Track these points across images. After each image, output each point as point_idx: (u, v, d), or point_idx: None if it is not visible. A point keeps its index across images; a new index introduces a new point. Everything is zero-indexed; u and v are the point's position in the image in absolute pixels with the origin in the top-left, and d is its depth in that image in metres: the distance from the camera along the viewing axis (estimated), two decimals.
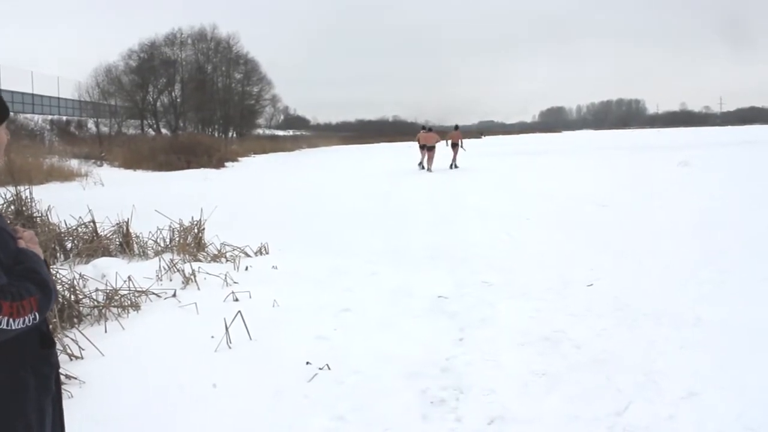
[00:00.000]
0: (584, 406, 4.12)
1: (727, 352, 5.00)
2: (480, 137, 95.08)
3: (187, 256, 8.00)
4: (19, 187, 9.35)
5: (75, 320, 5.75)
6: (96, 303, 6.03)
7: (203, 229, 8.80)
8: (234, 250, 8.55)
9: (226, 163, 37.65)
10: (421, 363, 4.96)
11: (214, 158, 35.97)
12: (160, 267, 7.29)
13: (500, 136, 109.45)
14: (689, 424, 3.85)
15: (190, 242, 8.54)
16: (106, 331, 5.64)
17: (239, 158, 44.05)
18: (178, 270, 7.27)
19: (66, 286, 5.96)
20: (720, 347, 5.13)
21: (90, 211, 8.58)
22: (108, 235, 8.52)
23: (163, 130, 58.21)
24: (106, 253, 8.16)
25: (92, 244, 8.21)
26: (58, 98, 54.21)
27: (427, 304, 6.61)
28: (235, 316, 5.51)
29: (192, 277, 7.11)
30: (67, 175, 24.65)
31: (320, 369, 4.83)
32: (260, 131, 77.84)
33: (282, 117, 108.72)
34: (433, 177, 24.73)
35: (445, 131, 33.82)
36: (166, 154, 33.43)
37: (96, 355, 5.05)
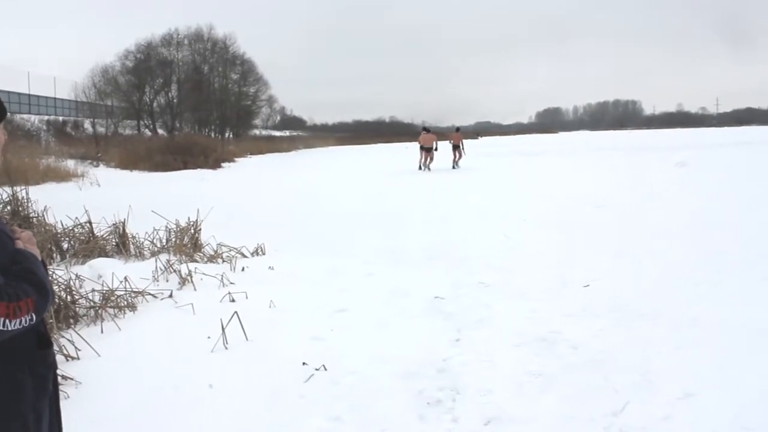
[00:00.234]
0: (580, 407, 4.13)
1: (723, 353, 5.00)
2: (477, 138, 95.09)
3: (183, 256, 8.01)
4: (15, 188, 9.34)
5: (71, 321, 5.74)
6: (92, 303, 6.02)
7: (200, 229, 8.80)
8: (230, 250, 8.55)
9: (223, 164, 37.62)
10: (417, 363, 4.96)
11: (210, 159, 35.95)
12: (156, 267, 7.29)
13: (497, 137, 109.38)
14: (686, 425, 3.86)
15: (186, 243, 8.55)
16: (102, 332, 5.63)
17: (236, 159, 44.02)
18: (175, 270, 7.27)
19: (62, 286, 5.95)
20: (717, 348, 5.13)
21: (86, 211, 8.58)
22: (104, 236, 8.52)
23: (160, 131, 58.13)
24: (103, 253, 8.15)
25: (89, 245, 8.21)
26: (55, 99, 54.16)
27: (423, 305, 6.61)
28: (232, 316, 5.51)
29: (188, 277, 7.11)
30: (63, 176, 24.61)
31: (317, 369, 4.83)
32: (257, 132, 77.71)
33: (278, 117, 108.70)
34: (430, 177, 24.74)
35: (442, 132, 33.87)
36: (162, 155, 33.39)
37: (92, 356, 5.04)
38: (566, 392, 4.37)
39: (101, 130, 46.19)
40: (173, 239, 8.61)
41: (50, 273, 5.82)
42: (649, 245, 9.33)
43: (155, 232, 8.70)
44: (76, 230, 8.47)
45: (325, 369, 4.84)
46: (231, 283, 7.18)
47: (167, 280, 7.15)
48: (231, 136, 67.91)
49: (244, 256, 8.63)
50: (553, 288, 7.18)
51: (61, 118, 50.26)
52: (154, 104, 60.92)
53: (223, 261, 8.27)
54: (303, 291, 7.13)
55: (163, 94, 61.71)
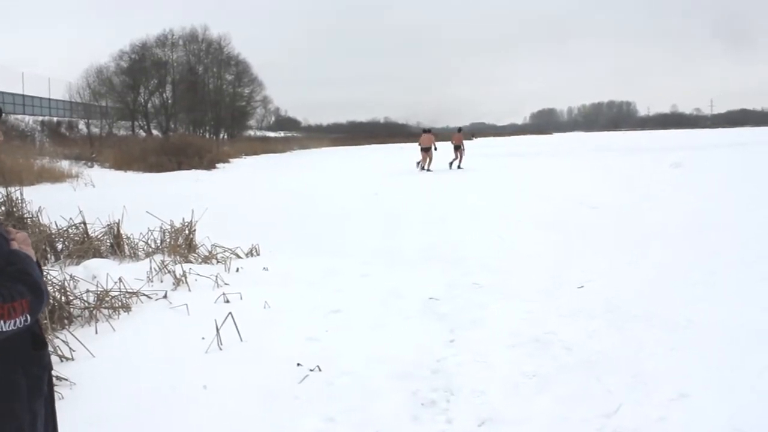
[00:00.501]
0: (574, 408, 4.14)
1: (718, 354, 5.01)
2: (471, 138, 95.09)
3: (178, 257, 8.00)
4: (9, 188, 9.33)
5: (65, 321, 5.74)
6: (87, 304, 6.02)
7: (194, 230, 8.80)
8: (225, 251, 8.55)
9: (217, 165, 37.60)
10: (411, 364, 4.97)
11: (205, 159, 35.92)
12: (150, 268, 7.28)
13: (491, 138, 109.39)
14: (679, 426, 3.86)
15: (181, 243, 8.54)
16: (96, 333, 5.63)
17: (230, 159, 44.04)
18: (169, 271, 7.27)
19: (57, 287, 5.95)
20: (712, 349, 5.14)
21: (81, 212, 8.56)
22: (99, 237, 8.51)
23: (154, 132, 58.10)
24: (97, 254, 8.14)
25: (83, 246, 8.19)
26: (49, 99, 54.13)
27: (418, 306, 6.62)
28: (226, 317, 5.51)
29: (183, 278, 7.11)
30: (58, 177, 24.58)
31: (311, 370, 4.83)
32: (251, 133, 77.66)
33: (273, 118, 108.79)
34: (425, 178, 24.75)
35: (437, 133, 33.98)
36: (157, 156, 33.39)
37: (87, 357, 5.04)
38: (560, 393, 4.38)
39: (96, 130, 46.05)
40: (168, 240, 8.60)
41: (45, 274, 5.80)
42: (645, 246, 9.35)
43: (150, 233, 8.69)
44: (70, 231, 8.46)
45: (320, 370, 4.85)
46: (225, 283, 7.18)
47: (162, 281, 7.14)
48: (226, 136, 67.84)
49: (239, 257, 8.63)
50: (547, 289, 7.18)
51: (55, 119, 50.16)
52: (149, 105, 60.89)
53: (218, 262, 8.27)
54: (297, 292, 7.14)
55: (158, 95, 61.69)
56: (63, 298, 5.91)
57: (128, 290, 6.47)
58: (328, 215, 13.86)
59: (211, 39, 67.39)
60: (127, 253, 8.43)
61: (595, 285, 7.26)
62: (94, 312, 5.92)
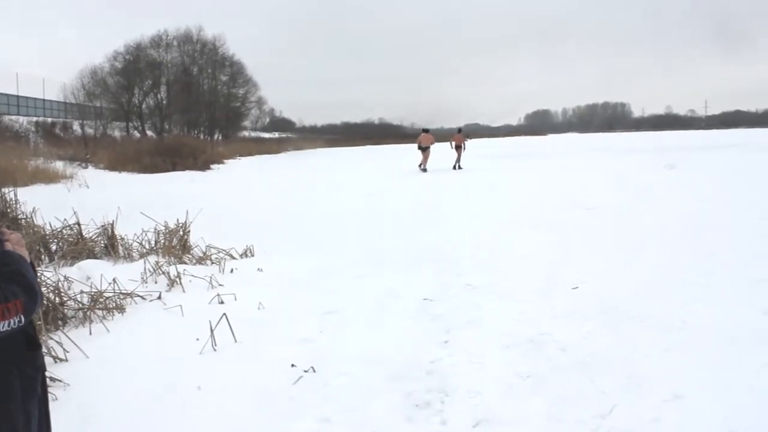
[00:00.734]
0: (569, 409, 4.14)
1: (712, 355, 5.02)
2: (466, 139, 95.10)
3: (172, 258, 7.99)
4: (3, 189, 9.31)
5: (60, 322, 5.73)
6: (81, 305, 6.01)
7: (188, 231, 8.79)
8: (219, 252, 8.54)
9: (212, 166, 37.59)
10: (406, 365, 4.97)
11: (199, 160, 35.91)
12: (145, 269, 7.27)
13: (486, 139, 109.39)
14: (673, 427, 3.87)
15: (175, 244, 8.53)
16: (90, 334, 5.62)
17: (225, 160, 44.02)
18: (163, 272, 7.26)
19: (51, 288, 5.94)
20: (706, 350, 5.14)
21: (75, 213, 8.56)
22: (93, 237, 8.50)
23: (149, 132, 57.98)
24: (91, 255, 8.13)
25: (77, 246, 8.18)
26: (44, 100, 54.04)
27: (412, 306, 6.62)
28: (220, 318, 5.50)
29: (177, 279, 7.11)
30: (52, 177, 24.53)
31: (305, 371, 4.83)
32: (246, 133, 77.66)
33: (268, 119, 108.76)
34: (420, 178, 24.75)
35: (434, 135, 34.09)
36: (151, 156, 33.36)
37: (80, 358, 5.03)
38: (555, 394, 4.38)
39: (90, 131, 46.04)
40: (162, 241, 8.59)
41: (39, 275, 5.81)
42: (639, 247, 9.36)
43: (144, 234, 8.68)
44: (64, 232, 8.44)
45: (314, 371, 4.84)
46: (220, 284, 7.18)
47: (156, 282, 7.14)
48: (220, 137, 67.85)
49: (233, 258, 8.62)
50: (542, 289, 7.19)
51: (49, 120, 50.07)
52: (143, 106, 60.76)
53: (212, 263, 8.26)
54: (292, 293, 7.14)
55: (152, 96, 61.58)
56: (57, 299, 5.90)
57: (122, 291, 6.47)
58: (322, 216, 13.86)
59: (206, 40, 67.46)
60: (122, 254, 8.41)
61: (589, 286, 7.26)
62: (88, 313, 5.91)
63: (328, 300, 6.81)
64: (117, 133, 51.69)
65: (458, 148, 30.54)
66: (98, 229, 8.61)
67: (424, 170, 28.24)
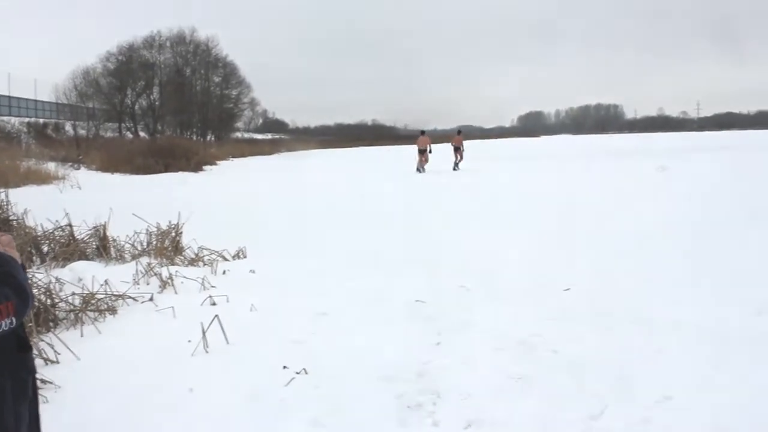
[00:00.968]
0: (559, 410, 4.15)
1: (702, 356, 5.04)
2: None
3: (164, 259, 7.99)
4: None
5: (51, 324, 5.72)
6: (72, 307, 6.00)
7: (181, 232, 8.78)
8: (211, 254, 8.54)
9: (205, 167, 37.53)
10: (397, 367, 4.97)
11: (192, 161, 35.86)
12: (137, 271, 7.27)
13: (478, 141, 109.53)
14: (664, 428, 3.89)
15: (167, 246, 8.52)
16: (82, 336, 5.62)
17: (217, 162, 43.94)
18: (155, 274, 7.26)
19: (42, 290, 5.93)
20: (696, 351, 5.16)
21: (67, 214, 8.54)
22: (85, 239, 8.49)
23: (141, 133, 57.86)
24: (83, 256, 8.12)
25: (69, 248, 8.17)
26: (35, 100, 53.88)
27: (404, 308, 6.62)
28: (212, 320, 5.50)
29: (169, 281, 7.10)
30: (44, 178, 24.46)
31: (297, 373, 4.83)
32: (239, 135, 77.55)
33: (260, 120, 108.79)
34: (413, 180, 24.78)
35: (432, 135, 34.23)
36: (144, 158, 33.28)
37: (72, 360, 5.03)
38: (546, 395, 4.40)
39: (82, 132, 45.90)
40: (154, 242, 8.58)
41: (30, 276, 5.80)
42: (631, 249, 9.38)
43: (136, 235, 8.67)
44: (56, 233, 8.43)
45: (306, 372, 4.85)
46: (212, 286, 7.18)
47: (148, 284, 7.13)
48: (213, 138, 67.75)
49: (225, 260, 8.62)
50: (534, 291, 7.20)
51: (41, 121, 49.94)
52: (136, 107, 60.65)
53: (204, 264, 8.26)
54: (284, 294, 7.14)
55: (145, 97, 61.45)
56: (48, 300, 5.89)
57: (114, 293, 6.46)
58: (315, 217, 13.86)
59: (199, 41, 67.25)
60: (113, 255, 8.41)
61: (581, 287, 7.28)
62: (79, 315, 5.90)
63: (320, 302, 6.80)
64: (109, 134, 51.50)
65: (457, 149, 30.73)
66: (90, 230, 8.59)
67: (420, 171, 28.30)
